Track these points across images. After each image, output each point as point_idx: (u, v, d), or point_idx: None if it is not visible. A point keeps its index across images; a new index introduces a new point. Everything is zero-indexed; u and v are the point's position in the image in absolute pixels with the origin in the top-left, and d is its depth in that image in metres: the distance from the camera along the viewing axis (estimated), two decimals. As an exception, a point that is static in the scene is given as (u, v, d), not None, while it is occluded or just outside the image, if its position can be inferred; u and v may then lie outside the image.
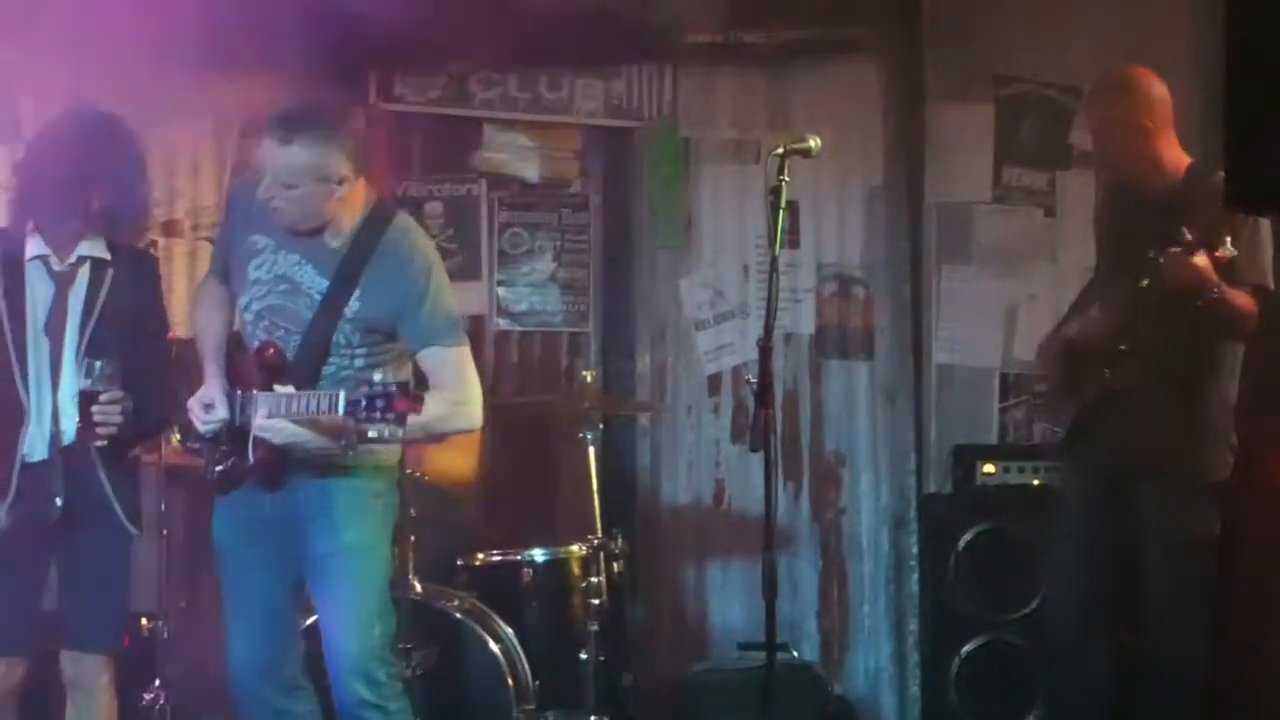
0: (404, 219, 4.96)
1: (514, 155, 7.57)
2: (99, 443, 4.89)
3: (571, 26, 7.10)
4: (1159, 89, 5.60)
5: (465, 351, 4.89)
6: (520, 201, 7.57)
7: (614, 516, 7.11)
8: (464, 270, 7.46)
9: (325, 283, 4.79)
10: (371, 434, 4.38)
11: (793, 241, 7.40)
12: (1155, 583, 5.57)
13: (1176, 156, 5.60)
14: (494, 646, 5.71)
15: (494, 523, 6.64)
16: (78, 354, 4.95)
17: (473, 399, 4.86)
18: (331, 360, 4.81)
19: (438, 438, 5.12)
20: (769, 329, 4.97)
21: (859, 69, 7.42)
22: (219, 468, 4.89)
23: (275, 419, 4.67)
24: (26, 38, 6.97)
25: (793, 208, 7.38)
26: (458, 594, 5.95)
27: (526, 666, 5.84)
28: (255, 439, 4.76)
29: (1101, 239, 5.94)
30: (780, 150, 5.06)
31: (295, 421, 4.64)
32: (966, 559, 6.82)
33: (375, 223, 4.85)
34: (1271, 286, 5.46)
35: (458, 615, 5.76)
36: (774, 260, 5.04)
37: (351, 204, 4.82)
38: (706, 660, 7.08)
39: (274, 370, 4.77)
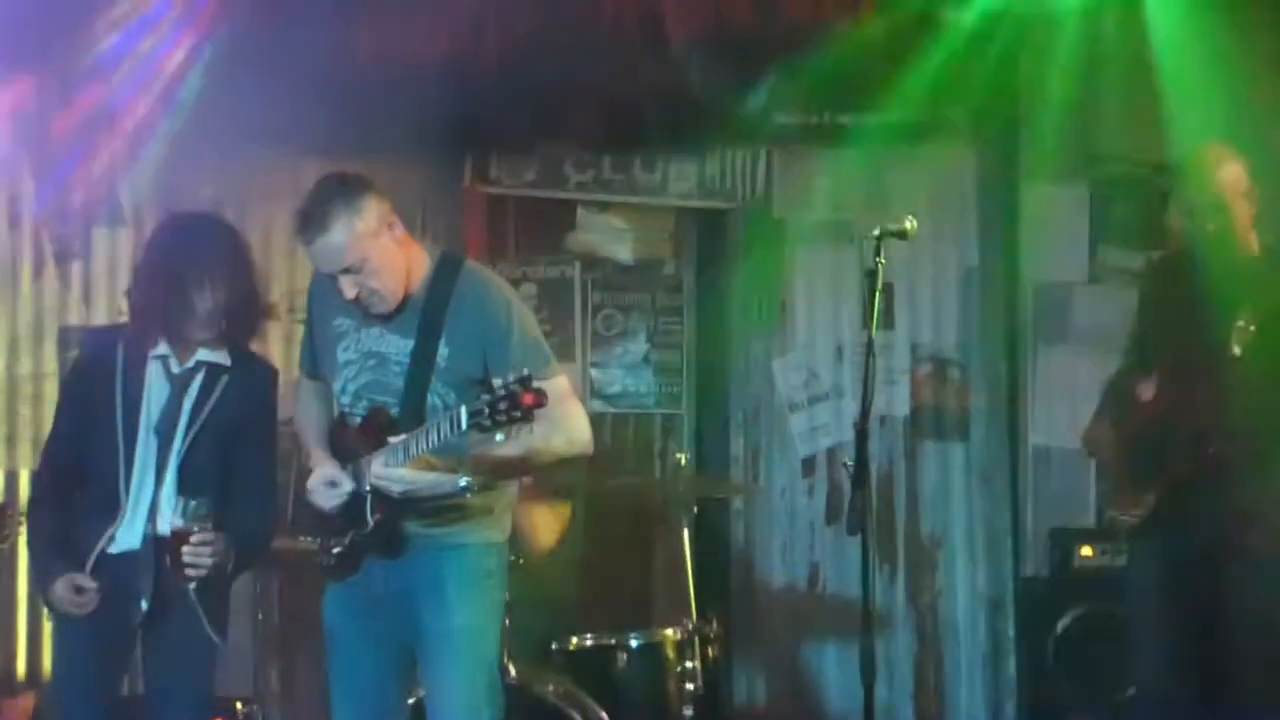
0: (473, 264, 4.94)
1: (608, 237, 7.59)
2: (189, 585, 4.88)
3: (665, 108, 7.14)
4: (1235, 169, 5.53)
5: (564, 381, 4.81)
6: (614, 283, 7.61)
7: (708, 600, 7.11)
8: (558, 352, 7.28)
9: (410, 343, 4.75)
10: (500, 437, 4.35)
11: (888, 322, 7.38)
12: (1249, 669, 5.46)
13: (1249, 236, 5.54)
14: (587, 730, 5.67)
15: (589, 606, 6.61)
16: (181, 457, 4.97)
17: (582, 425, 4.81)
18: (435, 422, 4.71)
19: (547, 466, 4.91)
20: (866, 410, 4.94)
21: (954, 150, 7.42)
22: (336, 549, 4.86)
23: (393, 468, 4.62)
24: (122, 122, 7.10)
25: (888, 289, 7.33)
26: (552, 676, 5.91)
27: (624, 751, 5.80)
28: (373, 499, 4.71)
29: (1156, 312, 5.78)
30: (877, 232, 5.01)
31: (412, 466, 4.59)
32: (1064, 643, 6.75)
33: (445, 272, 4.82)
34: None
35: (554, 700, 5.72)
36: (870, 342, 4.99)
37: (416, 262, 4.80)
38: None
39: (383, 431, 4.73)
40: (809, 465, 7.46)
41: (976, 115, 7.35)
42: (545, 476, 6.10)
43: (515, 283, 7.47)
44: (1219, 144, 5.66)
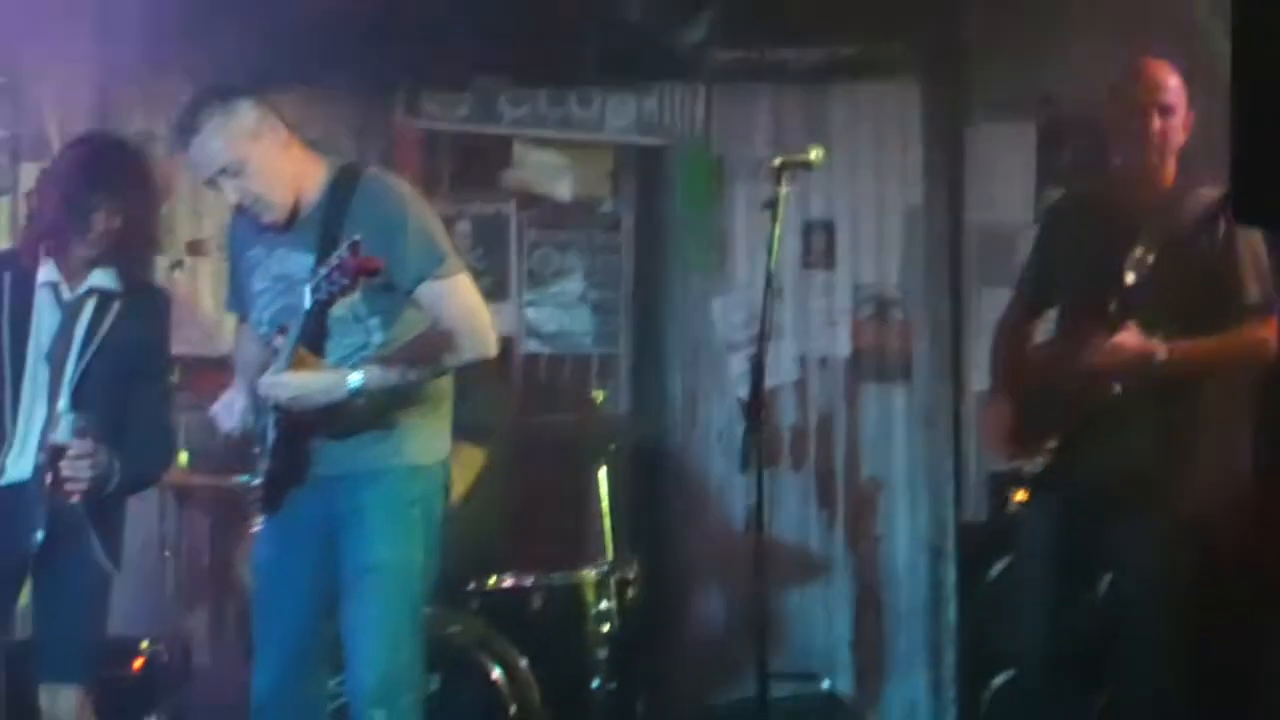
0: (374, 170, 4.84)
1: (545, 174, 7.44)
2: (71, 500, 4.77)
3: (602, 42, 7.01)
4: (1155, 83, 5.34)
5: (463, 279, 4.70)
6: (550, 221, 7.45)
7: (644, 543, 7.02)
8: (493, 291, 7.33)
9: (312, 259, 4.60)
10: (339, 311, 4.32)
11: (828, 263, 7.25)
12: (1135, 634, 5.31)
13: (1165, 163, 5.36)
14: (496, 674, 5.55)
15: (514, 548, 6.47)
16: (73, 387, 4.87)
17: (481, 325, 4.69)
18: (347, 340, 4.64)
19: (453, 369, 4.77)
20: (762, 347, 4.80)
21: (898, 87, 7.23)
22: (255, 482, 4.75)
23: (278, 374, 4.49)
24: (55, 60, 6.97)
25: (829, 228, 7.26)
26: (464, 618, 5.80)
27: (536, 694, 5.68)
28: (273, 421, 4.61)
29: (1057, 249, 5.61)
30: (778, 162, 4.87)
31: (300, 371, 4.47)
32: (996, 591, 6.59)
33: (343, 181, 4.72)
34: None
35: (459, 642, 5.60)
36: (769, 276, 4.89)
37: (309, 163, 4.73)
38: (735, 690, 6.91)
39: None
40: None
41: (921, 50, 7.16)
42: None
43: (449, 221, 7.32)
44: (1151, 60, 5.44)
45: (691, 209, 7.32)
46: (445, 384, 4.86)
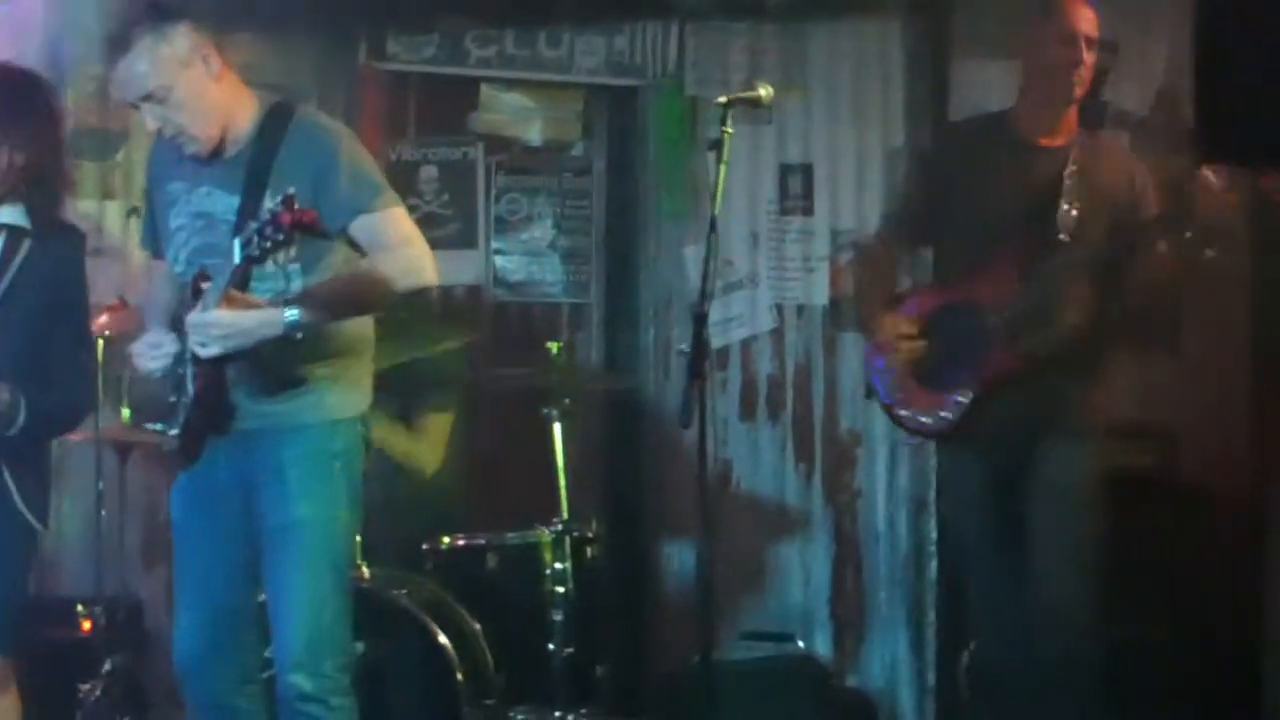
0: (306, 109, 4.67)
1: (513, 117, 7.21)
2: None
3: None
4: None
5: (400, 212, 4.53)
6: (519, 165, 7.23)
7: (613, 499, 6.82)
8: (460, 238, 7.14)
9: (237, 199, 4.43)
10: (271, 267, 4.16)
11: (806, 208, 7.00)
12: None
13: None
14: (443, 639, 5.32)
15: (469, 504, 6.26)
16: None
17: (418, 253, 4.49)
18: (264, 285, 4.42)
19: (392, 302, 4.56)
20: (705, 294, 4.62)
21: (879, 23, 6.97)
22: (172, 431, 4.53)
23: (197, 319, 4.28)
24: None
25: (806, 171, 7.02)
26: (414, 580, 5.60)
27: (490, 659, 5.48)
28: (194, 365, 4.39)
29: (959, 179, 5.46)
30: (724, 99, 4.65)
31: (223, 311, 4.24)
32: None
33: (274, 120, 4.52)
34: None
35: (404, 605, 5.38)
36: (713, 220, 4.73)
37: (241, 98, 4.53)
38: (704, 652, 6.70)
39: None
40: (722, 358, 7.05)
41: (904, -14, 6.92)
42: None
43: (415, 165, 7.20)
44: None
45: (664, 153, 7.07)
46: (365, 334, 4.67)
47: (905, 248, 5.63)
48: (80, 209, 7.17)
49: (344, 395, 4.58)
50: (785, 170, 7.03)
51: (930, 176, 5.57)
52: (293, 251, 4.33)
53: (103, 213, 7.23)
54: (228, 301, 4.25)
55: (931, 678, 6.83)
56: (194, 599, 4.62)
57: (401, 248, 4.46)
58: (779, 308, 7.04)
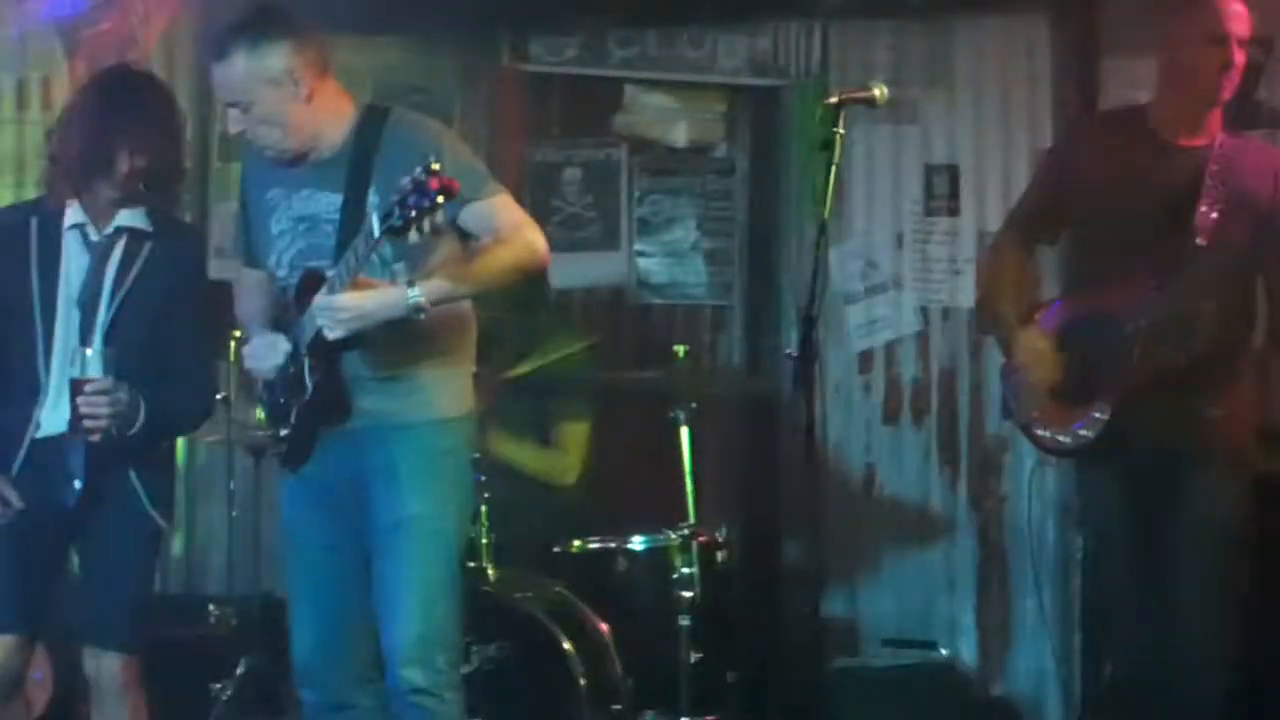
0: (401, 110, 4.64)
1: (656, 118, 7.21)
2: (91, 437, 4.59)
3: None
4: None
5: (507, 198, 4.51)
6: (662, 166, 7.21)
7: (754, 502, 6.76)
8: (602, 240, 7.13)
9: (339, 198, 4.45)
10: (414, 238, 4.08)
11: (951, 209, 6.90)
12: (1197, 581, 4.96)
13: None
14: (566, 643, 5.27)
15: (604, 507, 6.23)
16: (105, 330, 4.70)
17: (534, 236, 4.48)
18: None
19: (509, 283, 4.55)
20: (814, 297, 4.47)
21: (1026, 22, 6.85)
22: (284, 432, 4.56)
23: (325, 302, 4.30)
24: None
25: (952, 171, 6.91)
26: (540, 583, 5.57)
27: (618, 663, 5.43)
28: (310, 361, 4.41)
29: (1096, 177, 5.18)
30: (835, 99, 4.54)
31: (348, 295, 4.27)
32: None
33: (371, 120, 4.53)
34: None
35: (527, 609, 5.35)
36: (822, 225, 4.59)
37: (335, 111, 4.53)
38: (849, 658, 6.64)
39: (315, 293, 4.39)
40: (866, 360, 6.99)
41: (1052, -16, 6.78)
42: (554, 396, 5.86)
43: (558, 167, 7.18)
44: None
45: (807, 153, 6.99)
46: (470, 338, 4.67)
47: (1031, 248, 5.43)
48: (231, 211, 7.31)
49: (452, 394, 4.58)
50: (930, 171, 6.94)
51: (1060, 173, 5.32)
52: (395, 249, 4.36)
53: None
54: (354, 284, 4.28)
55: (1079, 689, 6.67)
56: (310, 599, 4.64)
57: (516, 229, 4.46)
58: (924, 310, 6.94)
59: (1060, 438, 5.13)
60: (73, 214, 4.79)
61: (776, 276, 7.11)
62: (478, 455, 4.86)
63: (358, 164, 4.45)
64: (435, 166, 4.03)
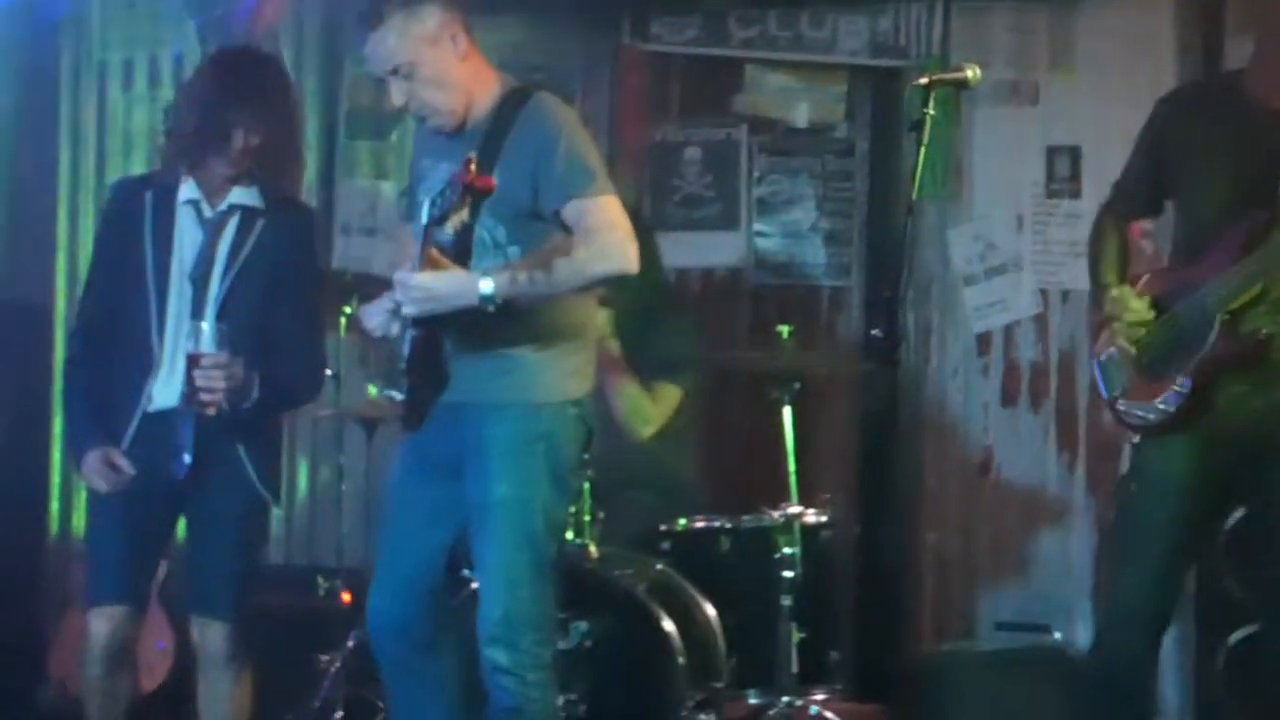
0: (542, 94, 4.65)
1: (777, 98, 7.19)
2: (206, 411, 4.68)
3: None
4: None
5: (611, 200, 4.50)
6: (781, 147, 7.20)
7: (870, 484, 6.75)
8: (721, 219, 7.14)
9: None
10: (448, 231, 4.20)
11: (1073, 191, 6.84)
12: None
13: None
14: (665, 621, 5.27)
15: (713, 487, 6.25)
16: (219, 306, 4.79)
17: (620, 239, 4.45)
18: (484, 263, 4.48)
19: (586, 286, 4.58)
20: (897, 277, 4.47)
21: (1149, 2, 6.77)
22: (400, 395, 4.63)
23: (400, 277, 4.38)
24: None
25: (1074, 153, 6.85)
26: (642, 562, 5.58)
27: (720, 642, 5.44)
28: (412, 330, 4.48)
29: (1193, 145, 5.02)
30: (925, 80, 4.50)
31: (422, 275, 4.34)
32: (1234, 539, 6.12)
33: (512, 100, 4.57)
34: None
35: (625, 586, 5.36)
36: (910, 205, 4.58)
37: (484, 80, 4.59)
38: (961, 640, 6.62)
39: None
40: (984, 343, 6.95)
41: (1177, -40, 6.69)
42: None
43: (678, 146, 7.22)
44: None
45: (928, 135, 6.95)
46: (585, 319, 4.70)
47: (1130, 220, 5.29)
48: (358, 187, 7.40)
49: (553, 378, 4.59)
50: (1052, 152, 6.88)
51: (1153, 142, 5.20)
52: (511, 232, 4.45)
53: (377, 192, 7.41)
54: (429, 264, 4.34)
55: (1192, 671, 6.61)
56: (391, 562, 4.71)
57: (602, 232, 4.45)
58: (1043, 292, 6.89)
59: (1140, 412, 4.97)
60: (187, 189, 4.89)
61: (895, 258, 7.06)
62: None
63: (490, 141, 4.50)
64: (474, 164, 4.11)
